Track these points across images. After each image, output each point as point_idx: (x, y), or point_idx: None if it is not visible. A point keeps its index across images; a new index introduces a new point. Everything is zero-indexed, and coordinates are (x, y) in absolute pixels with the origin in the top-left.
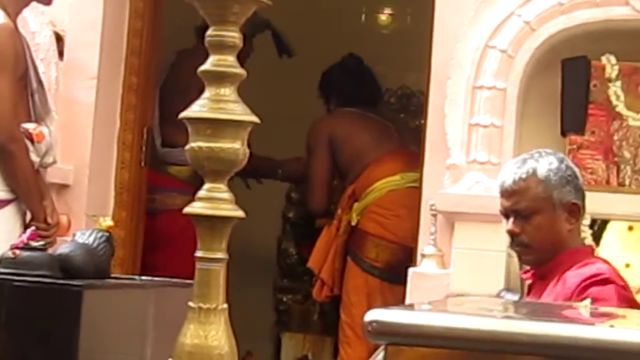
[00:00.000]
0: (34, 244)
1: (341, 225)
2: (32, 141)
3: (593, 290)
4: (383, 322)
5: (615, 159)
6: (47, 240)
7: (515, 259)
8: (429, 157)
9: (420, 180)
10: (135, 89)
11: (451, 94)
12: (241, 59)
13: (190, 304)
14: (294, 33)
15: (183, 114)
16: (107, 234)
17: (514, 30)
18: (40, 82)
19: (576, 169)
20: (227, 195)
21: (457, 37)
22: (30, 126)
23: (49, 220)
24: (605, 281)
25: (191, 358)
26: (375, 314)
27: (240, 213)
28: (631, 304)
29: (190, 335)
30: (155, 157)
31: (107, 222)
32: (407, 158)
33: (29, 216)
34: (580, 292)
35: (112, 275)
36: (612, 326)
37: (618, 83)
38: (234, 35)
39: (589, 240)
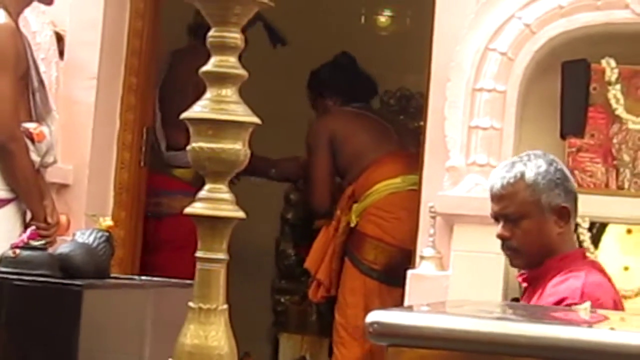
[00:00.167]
0: (34, 243)
1: (340, 226)
2: (32, 141)
3: None
4: (384, 323)
5: (615, 162)
6: (47, 240)
7: None
8: (429, 159)
9: (419, 182)
10: (135, 90)
11: (451, 96)
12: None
13: (191, 304)
14: (292, 34)
15: (184, 115)
16: (107, 233)
17: (514, 32)
18: (41, 82)
19: (567, 171)
20: (228, 195)
21: (457, 39)
22: (31, 126)
23: (49, 219)
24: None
25: (191, 358)
26: (377, 316)
27: (241, 214)
28: None
29: (191, 335)
30: (160, 159)
31: (107, 222)
32: (408, 160)
33: (29, 215)
34: None
35: (112, 275)
36: (612, 329)
37: (618, 86)
38: (235, 37)
39: (587, 243)
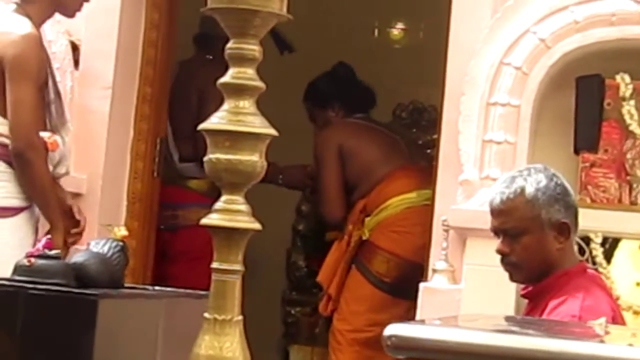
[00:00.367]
0: (49, 252)
1: (352, 241)
2: (46, 150)
3: None
4: (402, 336)
5: (628, 177)
6: (76, 239)
7: None
8: (442, 173)
9: (432, 195)
10: (150, 100)
11: (465, 110)
12: None
13: (206, 315)
14: (305, 47)
15: (202, 126)
16: (121, 243)
17: (528, 47)
18: (57, 93)
19: (567, 186)
20: (244, 207)
21: (472, 53)
22: (45, 135)
23: (77, 217)
24: None
25: None
26: (395, 329)
27: (257, 225)
28: None
29: (205, 346)
30: (174, 171)
31: (122, 231)
32: (421, 174)
33: (40, 224)
34: None
35: (126, 285)
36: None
37: (632, 102)
38: (253, 48)
39: (600, 258)
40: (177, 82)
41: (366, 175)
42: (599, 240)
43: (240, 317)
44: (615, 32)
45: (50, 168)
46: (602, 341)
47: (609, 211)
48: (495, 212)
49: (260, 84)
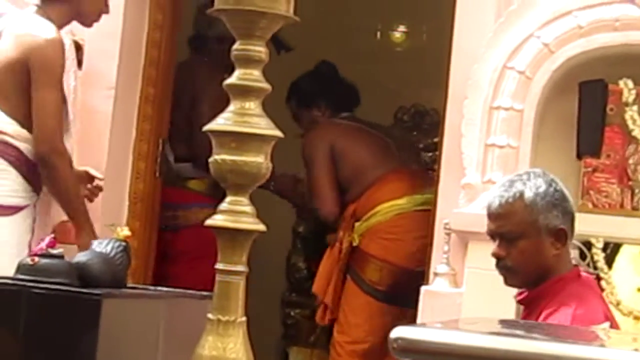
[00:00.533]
0: (52, 251)
1: (343, 247)
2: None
3: None
4: (409, 339)
5: (630, 182)
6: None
7: None
8: (444, 176)
9: (434, 198)
10: (152, 100)
11: (468, 113)
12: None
13: (209, 315)
14: (307, 50)
15: (207, 127)
16: (124, 243)
17: (532, 52)
18: (64, 98)
19: (566, 192)
20: (249, 208)
21: (475, 57)
22: None
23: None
24: None
25: None
26: (401, 331)
27: (261, 227)
28: None
29: (209, 347)
30: (172, 172)
31: (125, 231)
32: (412, 178)
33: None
34: None
35: (128, 284)
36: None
37: (635, 107)
38: (260, 50)
39: (601, 263)
40: (173, 83)
41: (356, 179)
42: (601, 245)
43: (244, 318)
44: (619, 38)
45: None
46: (603, 345)
47: (610, 216)
48: (493, 216)
49: (266, 85)
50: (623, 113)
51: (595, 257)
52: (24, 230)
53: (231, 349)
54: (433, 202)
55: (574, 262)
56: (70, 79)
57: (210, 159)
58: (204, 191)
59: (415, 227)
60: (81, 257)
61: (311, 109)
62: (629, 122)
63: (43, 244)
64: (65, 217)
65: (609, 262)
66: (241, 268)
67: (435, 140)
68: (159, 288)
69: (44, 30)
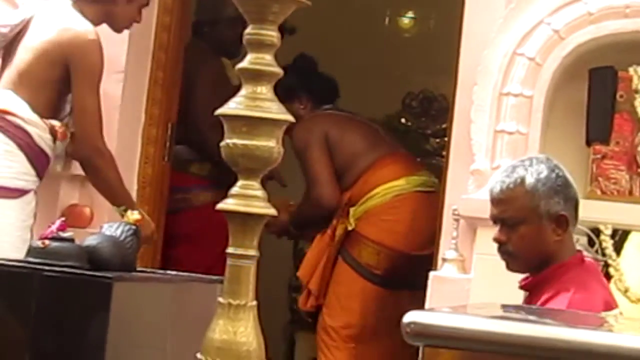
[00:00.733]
0: (63, 234)
1: (336, 234)
2: (55, 137)
3: None
4: (421, 323)
5: (639, 169)
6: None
7: None
8: (453, 162)
9: (443, 184)
10: (162, 84)
11: (477, 99)
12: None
13: (220, 299)
14: (316, 36)
15: (219, 111)
16: (134, 227)
17: (542, 38)
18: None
19: (569, 178)
20: (260, 192)
21: (485, 43)
22: (56, 123)
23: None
24: None
25: (219, 353)
26: (414, 316)
27: (272, 211)
28: None
29: (219, 330)
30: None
31: (135, 215)
32: (406, 160)
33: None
34: None
35: (138, 268)
36: None
37: None
38: (272, 34)
39: (609, 250)
40: None
41: (351, 165)
42: (609, 232)
43: (255, 303)
44: (629, 24)
45: (53, 158)
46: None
47: (619, 203)
48: (495, 201)
49: (278, 69)
50: (633, 100)
51: (604, 244)
52: (28, 214)
53: (242, 332)
54: (441, 188)
55: (581, 248)
56: None
57: (222, 143)
58: (206, 175)
59: (416, 208)
60: (91, 240)
61: (293, 102)
62: (639, 109)
63: (54, 227)
64: (74, 200)
65: (618, 249)
66: (252, 252)
67: (444, 126)
68: (168, 272)
69: (87, 30)
